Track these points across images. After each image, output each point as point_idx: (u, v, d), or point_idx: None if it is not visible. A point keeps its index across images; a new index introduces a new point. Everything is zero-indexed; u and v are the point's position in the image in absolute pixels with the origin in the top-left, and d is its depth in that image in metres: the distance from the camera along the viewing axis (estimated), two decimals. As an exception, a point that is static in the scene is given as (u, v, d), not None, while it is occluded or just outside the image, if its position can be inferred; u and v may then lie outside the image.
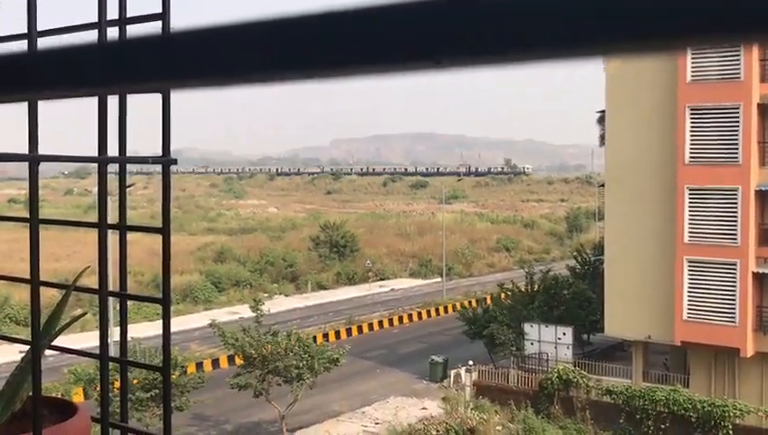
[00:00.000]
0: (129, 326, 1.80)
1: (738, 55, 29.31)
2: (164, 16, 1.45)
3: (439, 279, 63.49)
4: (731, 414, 29.36)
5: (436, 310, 54.65)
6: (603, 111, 34.96)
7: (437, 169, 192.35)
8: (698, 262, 30.70)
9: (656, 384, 32.19)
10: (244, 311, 38.46)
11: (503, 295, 41.59)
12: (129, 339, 1.74)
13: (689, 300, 30.91)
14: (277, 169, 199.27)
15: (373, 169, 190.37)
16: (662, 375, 33.39)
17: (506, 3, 0.35)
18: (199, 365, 36.31)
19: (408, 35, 0.38)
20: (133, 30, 1.59)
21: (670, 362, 34.64)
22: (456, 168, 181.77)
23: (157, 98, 1.51)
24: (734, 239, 29.97)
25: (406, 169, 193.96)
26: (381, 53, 0.39)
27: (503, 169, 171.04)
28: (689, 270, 30.84)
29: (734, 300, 30.16)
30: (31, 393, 1.44)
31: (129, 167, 1.66)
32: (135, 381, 25.51)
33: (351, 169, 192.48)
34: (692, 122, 30.51)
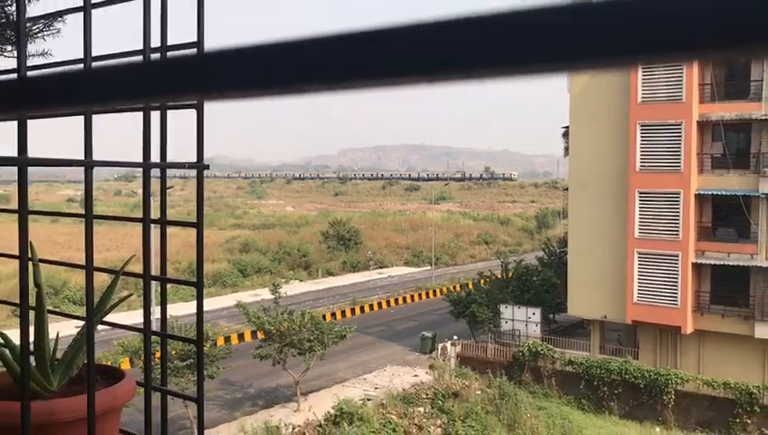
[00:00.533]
0: (168, 306, 1.80)
1: (681, 80, 29.31)
2: (199, 44, 1.45)
3: (429, 267, 63.44)
4: (673, 381, 29.42)
5: (427, 293, 54.55)
6: (567, 127, 34.92)
7: (437, 175, 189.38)
8: (646, 254, 30.70)
9: (610, 356, 32.20)
10: (265, 293, 38.38)
11: (482, 281, 41.56)
12: (168, 316, 1.73)
13: (639, 285, 30.91)
14: (296, 175, 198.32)
15: (380, 175, 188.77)
16: (616, 349, 33.38)
17: (487, 24, 0.34)
18: (227, 339, 36.24)
19: (404, 54, 0.36)
20: (172, 55, 1.59)
21: (622, 338, 34.64)
22: (453, 174, 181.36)
23: (192, 114, 1.51)
24: (677, 235, 29.97)
25: (410, 175, 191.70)
26: (382, 68, 0.38)
27: (492, 175, 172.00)
28: (639, 260, 30.84)
29: (676, 286, 30.16)
30: (86, 361, 1.44)
31: (169, 171, 1.66)
32: (173, 352, 25.47)
33: (360, 175, 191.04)
34: (642, 136, 30.48)
